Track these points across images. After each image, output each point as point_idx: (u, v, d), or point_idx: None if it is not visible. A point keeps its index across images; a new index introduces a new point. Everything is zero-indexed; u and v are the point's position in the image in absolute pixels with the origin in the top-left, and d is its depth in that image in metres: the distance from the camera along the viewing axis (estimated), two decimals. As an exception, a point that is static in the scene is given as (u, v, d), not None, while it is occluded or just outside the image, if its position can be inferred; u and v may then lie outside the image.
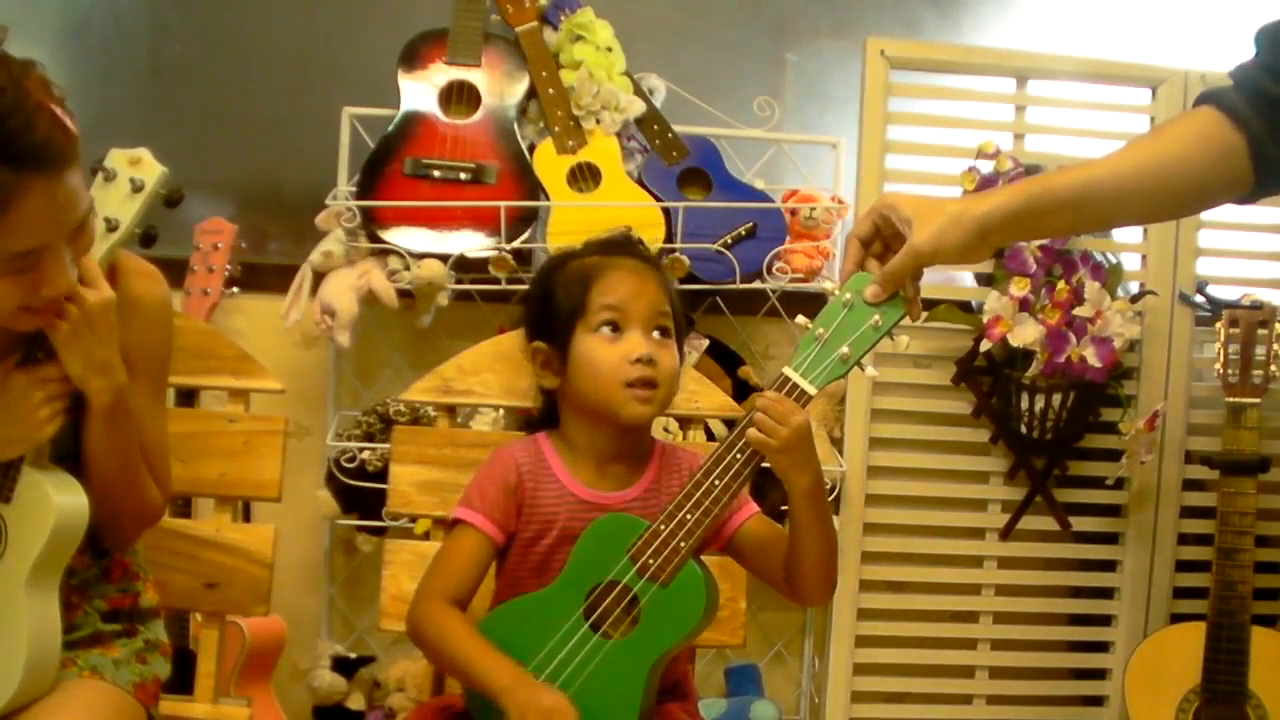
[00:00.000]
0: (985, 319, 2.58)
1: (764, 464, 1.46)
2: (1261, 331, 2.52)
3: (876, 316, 1.43)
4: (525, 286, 2.42)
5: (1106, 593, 2.84)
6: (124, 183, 1.49)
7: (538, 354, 1.59)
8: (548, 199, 2.57)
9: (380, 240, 2.55)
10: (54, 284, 1.34)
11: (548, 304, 1.58)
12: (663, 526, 1.46)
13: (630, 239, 1.70)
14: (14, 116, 1.25)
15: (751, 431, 1.43)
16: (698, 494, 1.45)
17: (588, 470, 1.58)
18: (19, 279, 1.32)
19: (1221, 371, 2.53)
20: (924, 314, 1.48)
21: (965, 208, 1.44)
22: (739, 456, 1.45)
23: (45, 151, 1.27)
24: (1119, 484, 2.78)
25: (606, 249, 1.63)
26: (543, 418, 1.66)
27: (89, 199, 1.37)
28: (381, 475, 2.35)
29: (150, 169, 1.51)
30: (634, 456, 1.60)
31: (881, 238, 1.47)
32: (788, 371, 1.45)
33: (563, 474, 1.57)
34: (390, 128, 2.60)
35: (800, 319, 1.48)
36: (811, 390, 1.44)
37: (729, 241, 2.58)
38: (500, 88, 2.62)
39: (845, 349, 1.43)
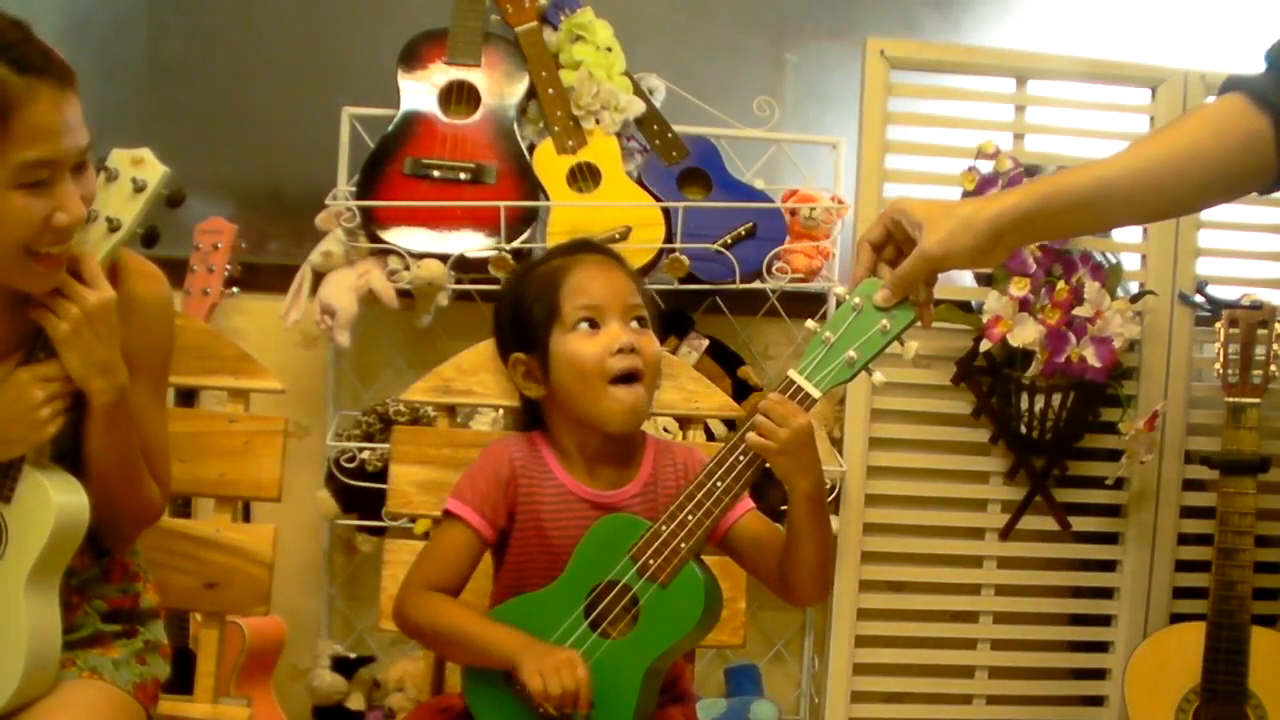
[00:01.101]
0: (985, 319, 2.58)
1: (766, 465, 1.46)
2: (1261, 331, 2.52)
3: (885, 321, 1.42)
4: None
5: (1106, 593, 2.84)
6: (126, 183, 1.49)
7: (518, 365, 1.58)
8: (547, 199, 2.57)
9: (380, 240, 2.55)
10: (67, 208, 1.35)
11: (519, 314, 1.57)
12: (664, 527, 1.46)
13: (589, 240, 1.70)
14: (16, 29, 1.32)
15: (751, 434, 1.43)
16: (699, 495, 1.45)
17: (582, 470, 1.58)
18: (31, 199, 1.33)
19: (1221, 371, 2.53)
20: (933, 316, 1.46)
21: (976, 210, 1.42)
22: (741, 458, 1.45)
23: (49, 62, 1.33)
24: (1119, 484, 2.78)
25: (568, 250, 1.63)
26: (527, 423, 1.66)
27: (89, 137, 1.39)
28: (381, 475, 2.35)
29: (152, 169, 1.51)
30: (626, 455, 1.60)
31: (894, 242, 1.46)
32: (792, 374, 1.44)
33: (560, 472, 1.57)
34: (390, 128, 2.60)
35: (809, 323, 1.47)
36: (816, 393, 1.43)
37: (729, 241, 2.58)
38: (500, 88, 2.62)
39: (852, 353, 1.42)
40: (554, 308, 1.53)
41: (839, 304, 1.45)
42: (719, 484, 1.45)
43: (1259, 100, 1.44)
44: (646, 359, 1.53)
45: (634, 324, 1.55)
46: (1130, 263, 2.77)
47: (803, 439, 1.43)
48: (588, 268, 1.56)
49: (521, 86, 2.63)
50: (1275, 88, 1.44)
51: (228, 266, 2.53)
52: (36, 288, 1.40)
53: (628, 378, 1.51)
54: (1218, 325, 2.57)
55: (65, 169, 1.35)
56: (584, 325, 1.52)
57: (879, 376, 1.46)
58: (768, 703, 2.64)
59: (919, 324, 1.44)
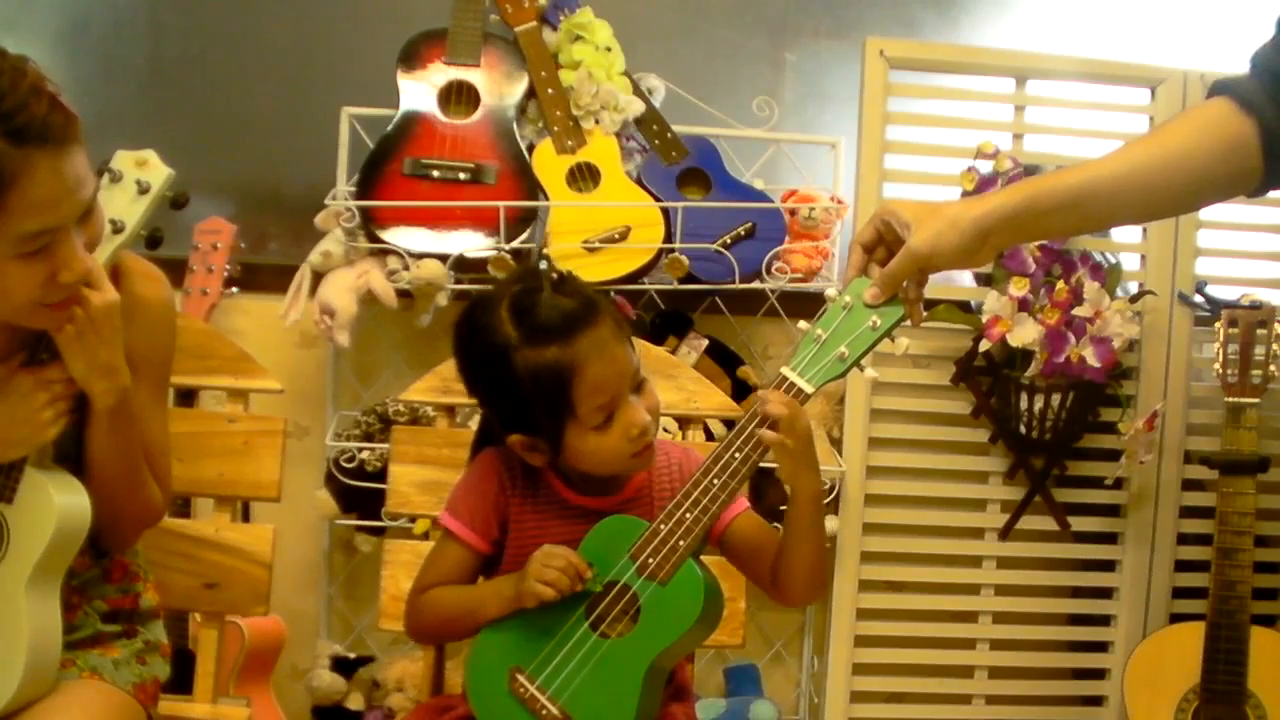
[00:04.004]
0: (984, 319, 2.59)
1: (762, 463, 1.47)
2: (1260, 331, 2.52)
3: (875, 318, 1.44)
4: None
5: (1106, 593, 2.84)
6: (130, 185, 1.49)
7: (516, 444, 1.52)
8: (547, 199, 2.57)
9: (379, 240, 2.55)
10: (71, 268, 1.34)
11: (517, 405, 1.47)
12: (662, 526, 1.46)
13: (558, 299, 1.46)
14: (12, 94, 1.26)
15: (767, 432, 1.43)
16: (696, 493, 1.46)
17: (576, 478, 1.56)
18: (32, 264, 1.32)
19: (1220, 371, 2.53)
20: (923, 314, 1.48)
21: (963, 210, 1.44)
22: (737, 456, 1.45)
23: (48, 127, 1.27)
24: (1118, 484, 2.78)
25: (563, 328, 1.44)
26: (488, 439, 1.62)
27: (95, 182, 1.36)
28: (381, 475, 2.34)
29: (156, 171, 1.51)
30: None
31: (884, 243, 1.48)
32: (785, 371, 1.46)
33: (554, 481, 1.56)
34: (389, 128, 2.59)
35: (802, 324, 1.49)
36: (809, 389, 1.44)
37: (728, 241, 2.58)
38: (499, 87, 2.62)
39: (843, 349, 1.44)
40: (567, 408, 1.45)
41: (828, 304, 1.47)
42: (715, 482, 1.46)
43: (1245, 104, 1.46)
44: (654, 415, 1.51)
45: (637, 390, 1.50)
46: (1130, 263, 2.77)
47: (810, 438, 1.45)
48: (596, 361, 1.44)
49: (521, 86, 2.62)
50: (1260, 91, 1.47)
51: (227, 266, 2.53)
52: (48, 326, 1.40)
53: (644, 448, 1.50)
54: (1217, 325, 2.57)
55: (68, 230, 1.33)
56: (601, 420, 1.47)
57: (870, 372, 1.48)
58: (767, 703, 2.64)
59: (909, 321, 1.46)
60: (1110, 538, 2.82)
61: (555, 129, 2.61)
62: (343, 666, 2.67)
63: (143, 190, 1.49)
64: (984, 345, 2.65)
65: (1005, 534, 2.80)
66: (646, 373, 1.52)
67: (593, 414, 1.45)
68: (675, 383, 1.89)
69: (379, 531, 2.60)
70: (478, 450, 1.63)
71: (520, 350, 1.44)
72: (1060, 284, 2.57)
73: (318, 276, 2.60)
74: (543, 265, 1.55)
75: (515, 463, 1.57)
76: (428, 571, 1.58)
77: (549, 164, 2.59)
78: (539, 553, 1.47)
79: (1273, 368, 2.51)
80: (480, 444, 1.64)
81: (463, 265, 2.54)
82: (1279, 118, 1.46)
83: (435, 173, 2.55)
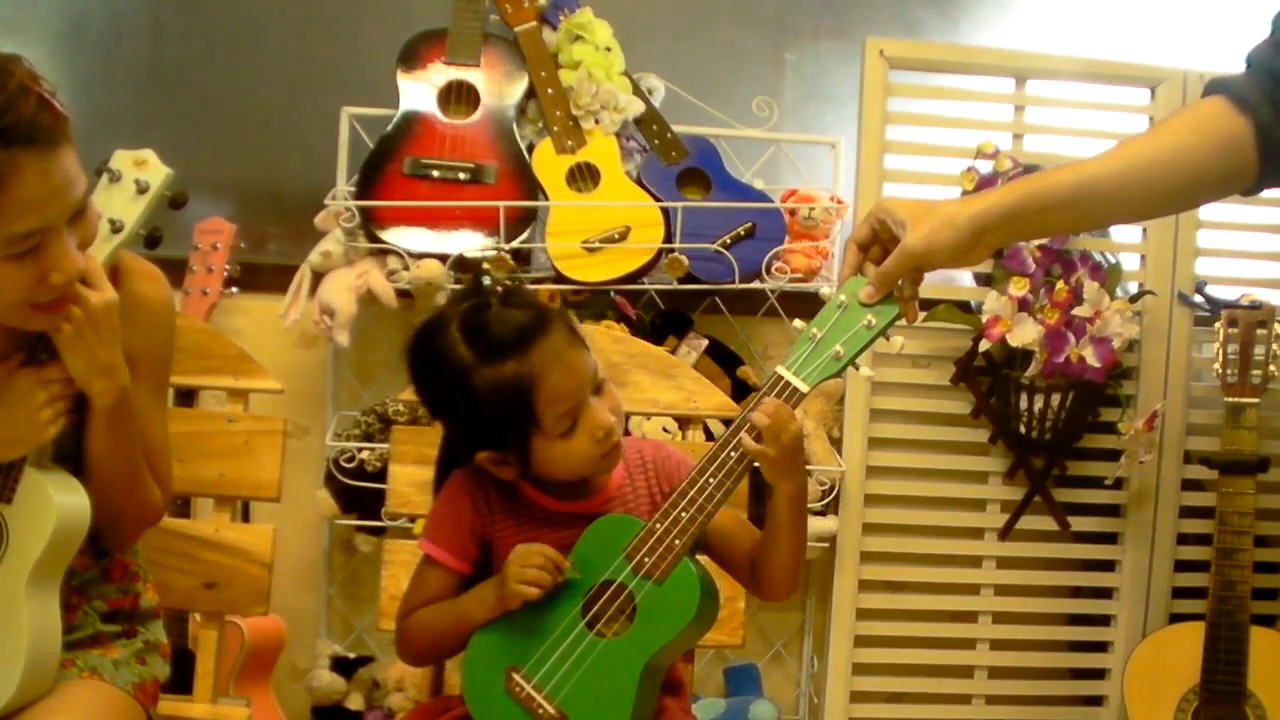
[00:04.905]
0: (984, 319, 2.58)
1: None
2: (1260, 331, 2.52)
3: (870, 317, 1.44)
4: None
5: (1105, 593, 2.84)
6: (129, 184, 1.49)
7: (485, 460, 1.51)
8: (546, 199, 2.57)
9: (379, 240, 2.55)
10: (62, 268, 1.34)
11: (481, 419, 1.46)
12: (658, 525, 1.46)
13: (508, 312, 1.46)
14: (9, 79, 1.25)
15: (747, 439, 1.43)
16: (692, 491, 1.46)
17: (553, 486, 1.55)
18: (22, 265, 1.31)
19: (1220, 371, 2.53)
20: (923, 314, 1.48)
21: (959, 208, 1.44)
22: (733, 454, 1.45)
23: (35, 128, 1.26)
24: (1118, 484, 2.78)
25: (517, 341, 1.44)
26: (451, 462, 1.61)
27: (85, 182, 1.36)
28: (380, 475, 2.35)
29: (155, 170, 1.51)
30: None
31: (879, 242, 1.47)
32: (781, 370, 1.45)
33: (530, 491, 1.55)
34: (389, 128, 2.60)
35: (797, 322, 1.49)
36: (804, 388, 1.44)
37: (728, 241, 2.58)
38: (499, 87, 2.62)
39: (839, 348, 1.43)
40: (532, 420, 1.45)
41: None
42: (711, 480, 1.45)
43: (1240, 103, 1.46)
44: (617, 415, 1.51)
45: (597, 392, 1.50)
46: (1129, 263, 2.77)
47: (797, 445, 1.44)
48: (554, 369, 1.44)
49: (521, 86, 2.63)
50: (1256, 90, 1.46)
51: (227, 266, 2.53)
52: (43, 327, 1.40)
53: (612, 449, 1.50)
54: (1217, 325, 2.57)
55: (58, 230, 1.33)
56: (566, 427, 1.46)
57: (866, 371, 1.48)
58: (767, 703, 2.64)
59: (904, 320, 1.45)
60: (1110, 538, 2.82)
61: (555, 129, 2.61)
62: (343, 666, 2.67)
63: (141, 190, 1.49)
64: (984, 345, 2.65)
65: (1005, 534, 2.80)
66: (604, 374, 1.52)
67: (557, 422, 1.45)
68: (675, 383, 1.88)
69: (379, 531, 2.60)
70: (442, 473, 1.61)
71: (478, 369, 1.44)
72: (1060, 284, 2.56)
73: (318, 276, 2.60)
74: (486, 281, 1.53)
75: (487, 481, 1.55)
76: (411, 597, 1.58)
77: (549, 164, 2.59)
78: (514, 554, 1.46)
79: (1272, 368, 2.51)
80: (444, 466, 1.61)
81: (462, 265, 2.54)
82: (1274, 116, 1.46)
83: (435, 173, 2.55)
